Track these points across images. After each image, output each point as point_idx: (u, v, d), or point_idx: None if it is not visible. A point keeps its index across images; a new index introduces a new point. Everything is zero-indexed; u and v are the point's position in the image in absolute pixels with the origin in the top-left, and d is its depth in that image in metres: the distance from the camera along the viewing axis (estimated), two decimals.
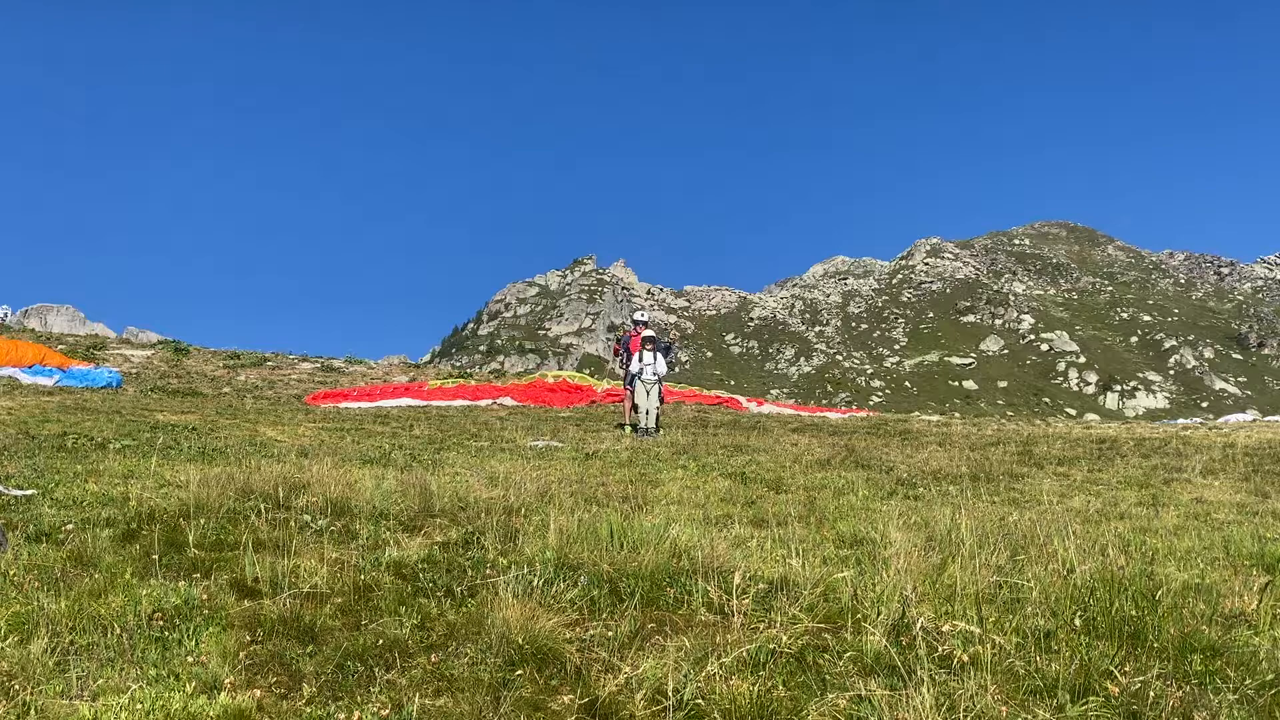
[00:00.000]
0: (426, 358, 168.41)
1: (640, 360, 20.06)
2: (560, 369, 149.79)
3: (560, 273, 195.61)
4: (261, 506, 7.72)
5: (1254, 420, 31.95)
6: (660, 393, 20.13)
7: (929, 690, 4.27)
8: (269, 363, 33.96)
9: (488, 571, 6.21)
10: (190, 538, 6.71)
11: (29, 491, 8.26)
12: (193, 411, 18.98)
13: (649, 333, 20.64)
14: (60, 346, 32.11)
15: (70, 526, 7.03)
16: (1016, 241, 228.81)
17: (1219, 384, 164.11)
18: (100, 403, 19.65)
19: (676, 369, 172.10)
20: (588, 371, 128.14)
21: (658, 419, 19.94)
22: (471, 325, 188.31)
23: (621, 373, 21.23)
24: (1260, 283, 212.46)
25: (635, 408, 19.98)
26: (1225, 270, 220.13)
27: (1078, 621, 5.35)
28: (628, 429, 19.90)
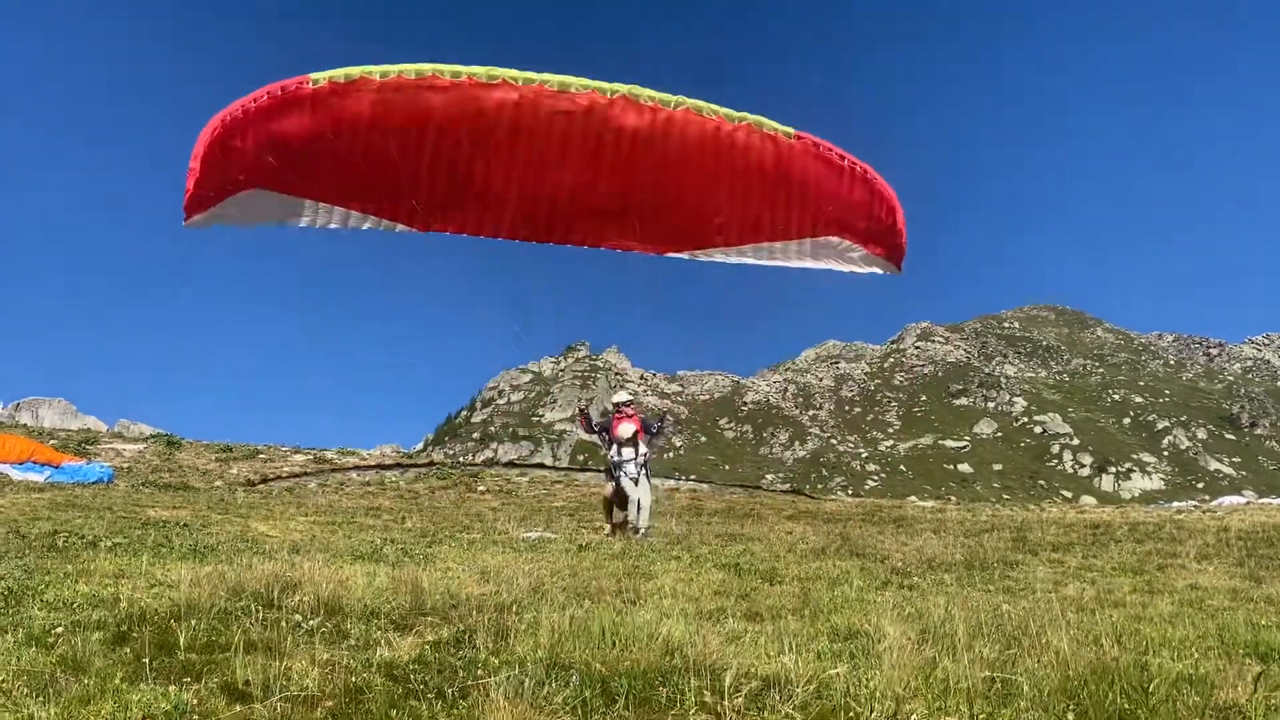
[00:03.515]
0: (420, 446, 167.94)
1: (623, 444, 17.51)
2: (554, 456, 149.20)
3: (554, 359, 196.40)
4: (253, 606, 7.69)
5: (1247, 503, 31.93)
6: (649, 482, 17.54)
7: None
8: (261, 455, 33.86)
9: (479, 672, 6.19)
10: (181, 640, 6.68)
11: None
12: (184, 506, 18.89)
13: (631, 411, 18.22)
14: (52, 442, 32.02)
15: (60, 629, 6.99)
16: (1006, 325, 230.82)
17: (1213, 465, 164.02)
18: (92, 499, 19.55)
19: (667, 453, 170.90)
20: (582, 458, 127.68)
21: (651, 513, 17.37)
22: (465, 412, 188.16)
23: (601, 446, 18.30)
24: (1249, 363, 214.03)
25: (618, 503, 17.46)
26: (1214, 351, 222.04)
27: (1070, 716, 5.35)
28: (607, 529, 17.41)
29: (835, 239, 24.81)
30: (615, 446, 17.60)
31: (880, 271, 26.01)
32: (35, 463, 25.85)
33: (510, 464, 31.59)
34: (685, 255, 25.40)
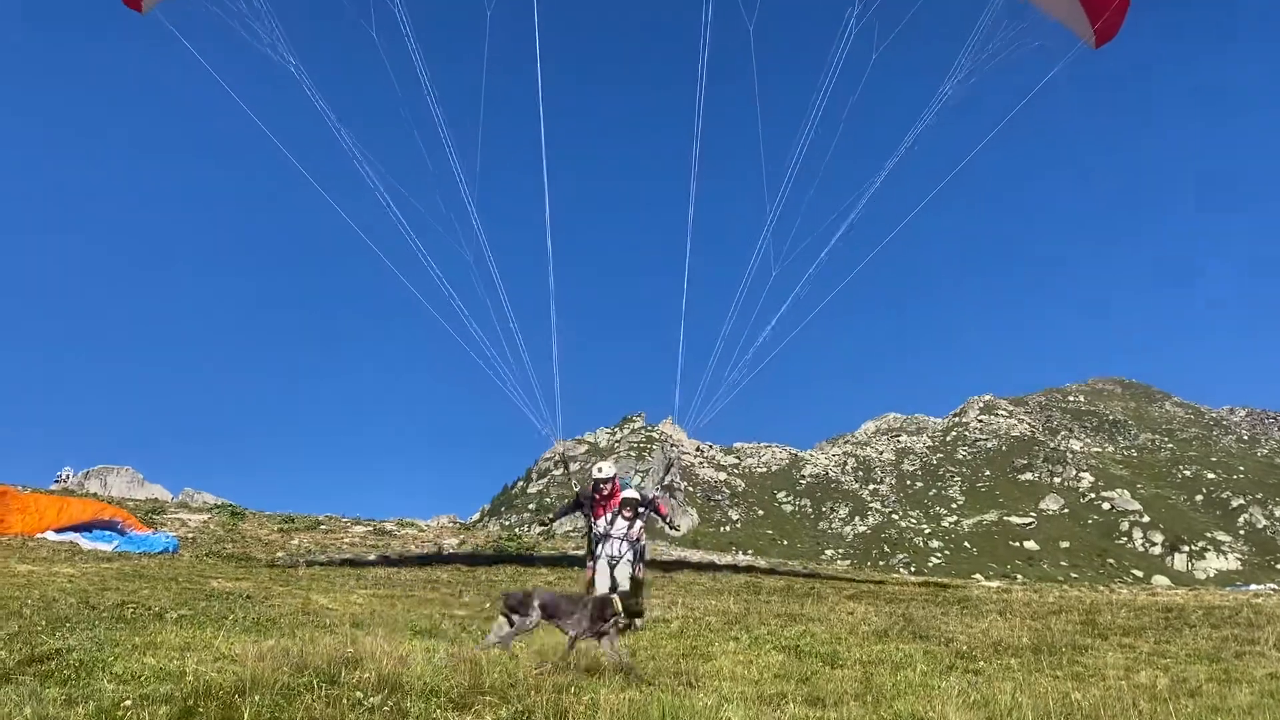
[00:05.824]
0: (476, 516, 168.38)
1: (609, 524, 15.06)
2: None
3: (610, 430, 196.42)
4: (315, 682, 7.76)
5: None
6: (634, 571, 14.80)
7: None
8: (322, 526, 34.25)
9: None
10: (246, 716, 6.77)
11: None
12: (246, 578, 19.15)
13: (631, 494, 15.33)
14: None
15: (129, 702, 7.11)
16: (1071, 398, 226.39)
17: None
18: (158, 569, 19.92)
19: (724, 527, 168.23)
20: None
21: (635, 607, 14.20)
22: (521, 483, 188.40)
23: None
24: None
25: (592, 589, 14.63)
26: None
27: None
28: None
29: None
30: (601, 521, 15.28)
31: (1074, 32, 19.33)
32: (103, 531, 26.46)
33: (566, 557, 31.52)
34: None
